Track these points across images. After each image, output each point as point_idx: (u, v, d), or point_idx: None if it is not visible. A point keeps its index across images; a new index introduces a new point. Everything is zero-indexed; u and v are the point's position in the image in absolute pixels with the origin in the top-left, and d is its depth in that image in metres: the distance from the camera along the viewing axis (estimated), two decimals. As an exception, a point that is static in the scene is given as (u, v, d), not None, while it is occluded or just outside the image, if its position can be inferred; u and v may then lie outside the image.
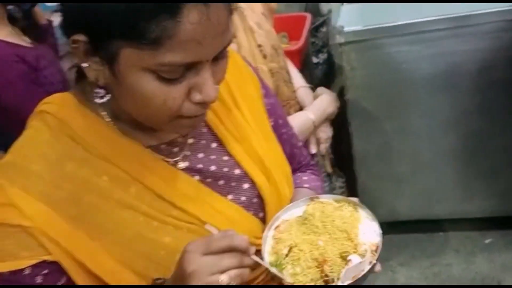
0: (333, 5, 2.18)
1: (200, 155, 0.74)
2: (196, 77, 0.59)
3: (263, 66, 1.15)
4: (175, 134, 0.72)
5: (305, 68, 1.90)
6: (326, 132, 1.33)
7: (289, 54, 1.47)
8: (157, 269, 0.65)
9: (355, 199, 0.71)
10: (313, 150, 1.31)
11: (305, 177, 0.89)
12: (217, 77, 0.62)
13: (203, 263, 0.57)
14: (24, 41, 1.48)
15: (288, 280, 0.62)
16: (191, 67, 0.58)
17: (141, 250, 0.65)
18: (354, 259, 0.63)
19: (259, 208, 0.76)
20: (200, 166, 0.73)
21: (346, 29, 1.76)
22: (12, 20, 1.50)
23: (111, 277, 0.64)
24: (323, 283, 0.61)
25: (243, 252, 0.59)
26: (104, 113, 0.67)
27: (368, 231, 0.66)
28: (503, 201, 1.98)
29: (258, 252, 0.67)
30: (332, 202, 0.71)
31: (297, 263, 0.63)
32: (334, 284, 0.61)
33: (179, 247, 0.66)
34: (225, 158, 0.75)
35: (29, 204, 0.61)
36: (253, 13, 1.20)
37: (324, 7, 2.62)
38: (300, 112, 1.29)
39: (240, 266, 0.58)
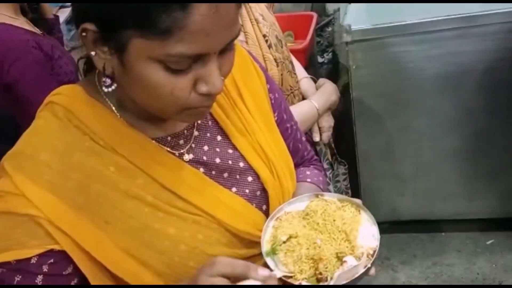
0: (341, 4, 2.18)
1: (205, 148, 0.74)
2: (202, 68, 0.59)
3: (269, 55, 1.17)
4: (181, 127, 0.73)
5: (310, 67, 1.91)
6: (328, 121, 1.36)
7: (295, 52, 1.48)
8: (160, 259, 0.66)
9: (358, 201, 0.71)
10: (317, 138, 1.34)
11: (308, 171, 0.90)
12: (224, 69, 0.62)
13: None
14: (37, 31, 1.50)
15: (278, 275, 0.62)
16: (198, 58, 0.58)
17: (146, 240, 0.66)
18: (350, 260, 0.63)
19: (263, 201, 0.77)
20: (205, 158, 0.73)
21: (354, 27, 1.75)
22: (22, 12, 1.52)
23: (115, 266, 0.65)
24: (315, 280, 0.62)
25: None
26: (111, 104, 0.68)
27: (367, 234, 0.67)
28: (506, 201, 1.98)
29: (259, 244, 0.68)
30: (336, 202, 0.71)
31: (290, 255, 0.64)
32: (326, 282, 0.61)
33: (183, 238, 0.67)
34: (230, 151, 0.76)
35: (37, 193, 0.62)
36: (258, 6, 1.22)
37: (330, 7, 2.62)
38: (305, 101, 1.31)
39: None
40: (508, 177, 1.92)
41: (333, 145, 1.45)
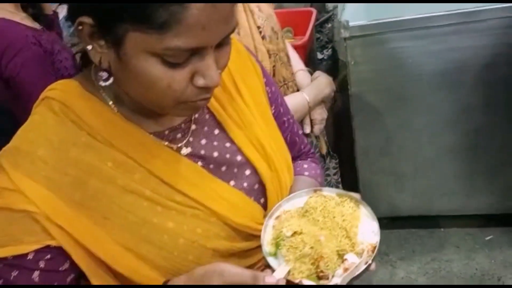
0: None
1: (203, 141, 0.74)
2: (200, 62, 0.59)
3: (261, 47, 1.17)
4: (178, 121, 0.73)
5: (310, 63, 1.90)
6: (321, 114, 1.36)
7: (294, 49, 1.48)
8: (159, 254, 0.66)
9: (357, 195, 0.71)
10: (307, 130, 1.34)
11: (305, 164, 0.90)
12: (220, 63, 0.62)
13: None
14: (37, 26, 1.49)
15: (280, 275, 0.62)
16: (195, 52, 0.58)
17: (144, 235, 0.66)
18: (350, 257, 0.63)
19: (260, 194, 0.77)
20: (202, 152, 0.73)
21: (352, 23, 1.75)
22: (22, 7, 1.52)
23: (114, 261, 0.65)
24: (316, 278, 0.62)
25: None
26: (108, 99, 0.68)
27: (367, 230, 0.67)
28: (505, 198, 1.98)
29: (258, 238, 0.68)
30: (335, 197, 0.71)
31: (293, 251, 0.64)
32: (328, 280, 0.61)
33: (182, 232, 0.67)
34: (228, 144, 0.76)
35: (34, 189, 0.62)
36: None
37: (330, 3, 2.62)
38: (296, 93, 1.31)
39: None
40: (507, 173, 1.93)
41: (325, 138, 1.45)
